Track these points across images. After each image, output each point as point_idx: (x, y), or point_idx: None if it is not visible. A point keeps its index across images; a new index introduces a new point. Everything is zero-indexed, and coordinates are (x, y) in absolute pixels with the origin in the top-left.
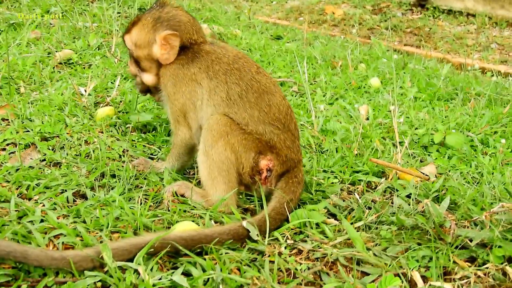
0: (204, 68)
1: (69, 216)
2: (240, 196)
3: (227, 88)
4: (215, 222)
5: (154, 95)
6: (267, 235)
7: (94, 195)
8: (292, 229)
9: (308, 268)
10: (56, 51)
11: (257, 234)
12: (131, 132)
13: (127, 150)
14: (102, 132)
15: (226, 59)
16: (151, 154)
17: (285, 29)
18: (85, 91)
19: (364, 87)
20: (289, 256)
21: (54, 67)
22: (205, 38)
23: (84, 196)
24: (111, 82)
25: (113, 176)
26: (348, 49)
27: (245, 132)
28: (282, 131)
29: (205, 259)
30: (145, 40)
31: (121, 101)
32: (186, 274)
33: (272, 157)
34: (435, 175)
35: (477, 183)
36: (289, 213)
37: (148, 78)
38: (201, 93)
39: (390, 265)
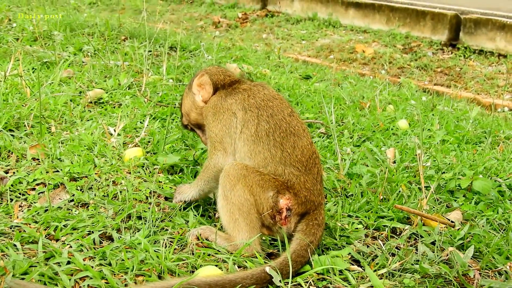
0: (240, 100)
1: (95, 258)
2: (263, 238)
3: (257, 123)
4: (239, 267)
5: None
6: (289, 282)
7: (120, 237)
8: (315, 275)
9: None
10: (88, 90)
11: (279, 280)
12: (158, 173)
13: (154, 192)
14: (130, 173)
15: (262, 95)
16: None
17: (315, 68)
18: (115, 131)
19: (391, 129)
20: None
21: (85, 107)
22: (243, 79)
23: (110, 238)
24: (140, 122)
25: (139, 217)
26: (377, 90)
27: (262, 173)
28: (302, 173)
29: None
30: (189, 102)
31: (149, 142)
32: None
33: (291, 196)
34: (461, 222)
35: (504, 230)
36: (310, 255)
37: None
38: (235, 123)
39: None
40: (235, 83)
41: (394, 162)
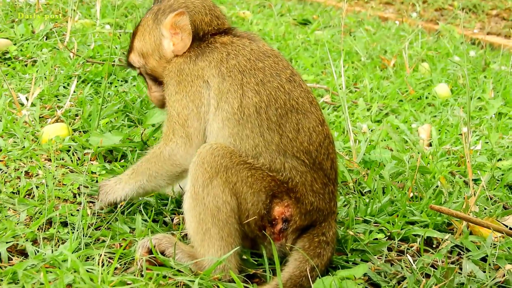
0: (216, 62)
1: (1, 281)
2: (244, 257)
3: (241, 93)
4: None
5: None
6: None
7: (38, 251)
8: None
9: None
10: None
11: None
12: (90, 160)
13: (85, 187)
14: (50, 160)
15: (248, 53)
16: None
17: (315, 9)
18: (27, 99)
19: (426, 98)
20: None
21: None
22: (231, 26)
23: (23, 253)
24: (64, 87)
25: (65, 224)
26: (406, 42)
27: (252, 166)
28: (310, 169)
29: None
30: (151, 41)
31: (77, 115)
32: None
33: (290, 203)
34: None
35: None
36: (313, 283)
37: None
38: (208, 96)
39: None
40: (218, 34)
41: (430, 144)
